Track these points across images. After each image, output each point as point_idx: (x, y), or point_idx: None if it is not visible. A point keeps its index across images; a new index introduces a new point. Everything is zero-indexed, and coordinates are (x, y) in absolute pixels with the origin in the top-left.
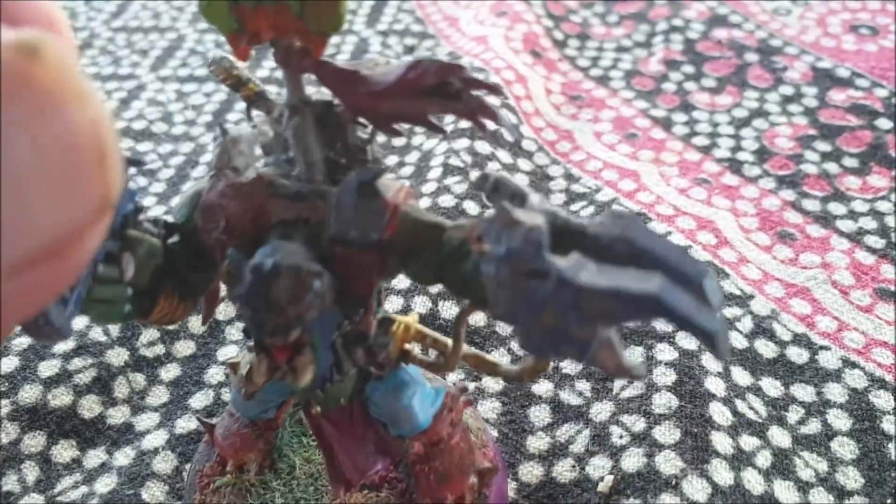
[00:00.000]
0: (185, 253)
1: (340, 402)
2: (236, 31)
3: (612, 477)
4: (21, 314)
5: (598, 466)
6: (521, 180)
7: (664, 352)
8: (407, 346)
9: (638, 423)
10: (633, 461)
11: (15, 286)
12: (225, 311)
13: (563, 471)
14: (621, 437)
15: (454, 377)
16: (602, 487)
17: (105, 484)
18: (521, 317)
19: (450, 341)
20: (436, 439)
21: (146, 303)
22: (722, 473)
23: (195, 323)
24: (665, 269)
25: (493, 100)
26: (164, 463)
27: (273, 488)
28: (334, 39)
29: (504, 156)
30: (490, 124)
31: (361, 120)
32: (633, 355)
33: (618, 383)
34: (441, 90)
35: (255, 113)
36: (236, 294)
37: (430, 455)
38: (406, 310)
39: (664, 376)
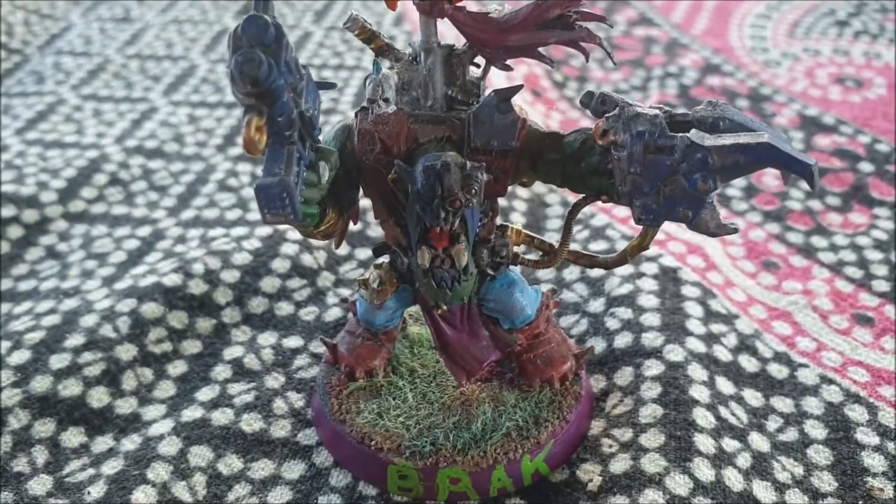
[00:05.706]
0: (341, 173)
1: (463, 300)
2: None
3: (600, 478)
4: None
5: (588, 470)
6: (518, 207)
7: (651, 367)
8: (515, 248)
9: (626, 434)
10: (620, 465)
11: None
12: (231, 315)
13: (555, 473)
14: (610, 447)
15: None
16: (591, 487)
17: (112, 466)
18: (645, 190)
19: (554, 242)
20: (536, 332)
21: (320, 212)
22: (704, 470)
23: (202, 324)
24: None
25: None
26: (170, 447)
27: (400, 387)
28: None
29: None
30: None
31: (477, 60)
32: (623, 374)
33: (610, 401)
34: (559, 22)
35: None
36: (413, 191)
37: (533, 345)
38: None
39: (650, 390)
